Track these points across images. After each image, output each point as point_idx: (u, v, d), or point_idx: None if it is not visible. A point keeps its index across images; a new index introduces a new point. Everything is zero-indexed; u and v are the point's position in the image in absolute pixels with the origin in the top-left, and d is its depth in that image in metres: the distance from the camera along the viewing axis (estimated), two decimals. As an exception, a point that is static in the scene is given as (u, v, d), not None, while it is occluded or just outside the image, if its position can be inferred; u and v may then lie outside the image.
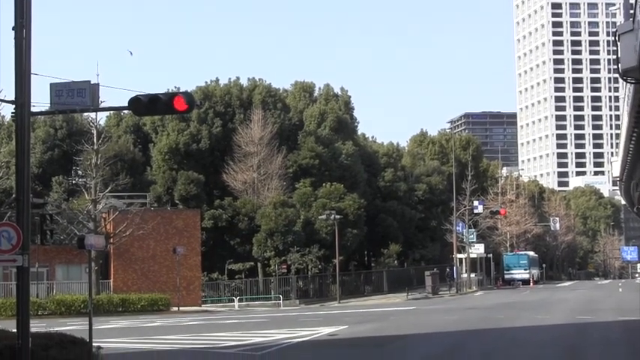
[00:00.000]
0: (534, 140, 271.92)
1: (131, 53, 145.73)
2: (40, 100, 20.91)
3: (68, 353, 18.27)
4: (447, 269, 78.44)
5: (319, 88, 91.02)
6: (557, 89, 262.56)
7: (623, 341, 27.23)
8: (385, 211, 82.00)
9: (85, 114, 58.01)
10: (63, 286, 54.03)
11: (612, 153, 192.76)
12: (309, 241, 68.43)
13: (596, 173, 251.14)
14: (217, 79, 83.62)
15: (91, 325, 21.84)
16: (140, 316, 47.75)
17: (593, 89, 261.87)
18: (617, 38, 24.37)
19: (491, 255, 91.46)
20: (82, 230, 50.73)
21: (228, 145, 75.87)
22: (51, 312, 47.85)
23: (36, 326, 22.74)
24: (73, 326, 31.82)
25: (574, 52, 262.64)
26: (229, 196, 72.71)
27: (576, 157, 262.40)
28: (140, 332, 34.35)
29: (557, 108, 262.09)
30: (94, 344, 20.57)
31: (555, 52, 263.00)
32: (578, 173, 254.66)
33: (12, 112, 17.64)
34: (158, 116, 73.67)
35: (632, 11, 23.17)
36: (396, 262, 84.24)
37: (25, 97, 17.28)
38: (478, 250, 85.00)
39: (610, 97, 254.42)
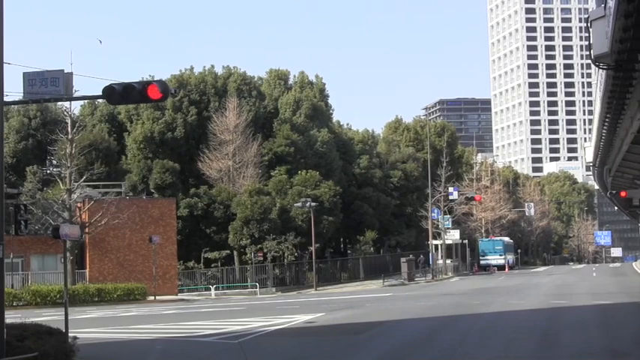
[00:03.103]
0: (508, 126, 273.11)
1: (100, 42, 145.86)
2: (13, 89, 20.84)
3: (44, 344, 18.25)
4: (420, 256, 78.66)
5: (294, 76, 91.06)
6: (530, 75, 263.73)
7: (596, 324, 27.48)
8: (361, 198, 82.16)
9: (59, 103, 57.71)
10: (38, 277, 53.79)
11: (585, 138, 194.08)
12: (285, 229, 68.48)
13: (569, 159, 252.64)
14: (192, 68, 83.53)
15: (66, 315, 21.81)
16: (117, 306, 47.67)
17: (567, 75, 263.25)
18: (589, 24, 24.51)
19: (466, 241, 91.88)
20: (57, 220, 50.55)
21: (203, 133, 75.76)
22: (26, 303, 47.62)
23: (11, 317, 22.67)
24: (49, 317, 31.71)
25: (547, 39, 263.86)
26: (205, 185, 72.63)
27: (550, 143, 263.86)
28: (117, 322, 34.31)
29: (531, 94, 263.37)
30: (70, 334, 20.54)
31: (529, 39, 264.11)
32: (552, 159, 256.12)
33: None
34: (133, 105, 73.48)
35: (603, -3, 23.30)
36: (372, 248, 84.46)
37: (-3, 86, 17.19)
38: (453, 236, 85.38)
39: (583, 82, 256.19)
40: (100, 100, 65.02)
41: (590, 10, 30.87)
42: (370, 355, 21.44)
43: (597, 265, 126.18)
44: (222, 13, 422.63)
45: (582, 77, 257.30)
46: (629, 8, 18.77)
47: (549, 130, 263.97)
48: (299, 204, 66.35)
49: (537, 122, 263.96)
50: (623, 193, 63.64)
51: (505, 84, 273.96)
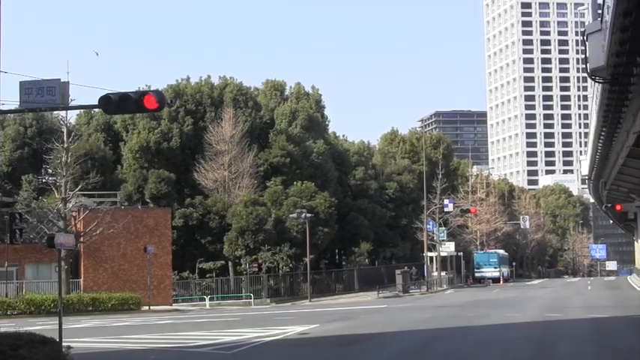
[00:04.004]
0: (504, 139, 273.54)
1: (97, 54, 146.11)
2: (9, 98, 20.91)
3: (38, 353, 18.18)
4: (413, 268, 78.63)
5: (290, 87, 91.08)
6: (526, 88, 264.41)
7: (590, 338, 27.48)
8: (356, 210, 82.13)
9: (55, 112, 57.71)
10: (32, 286, 53.63)
11: (581, 152, 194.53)
12: (280, 240, 68.42)
13: (565, 172, 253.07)
14: (188, 78, 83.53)
15: (60, 324, 21.76)
16: (111, 316, 47.56)
17: (563, 88, 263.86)
18: (585, 38, 24.62)
19: (461, 253, 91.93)
20: (52, 229, 50.46)
21: (199, 143, 75.74)
22: (20, 311, 47.49)
23: (5, 326, 22.63)
24: (43, 326, 31.64)
25: (543, 52, 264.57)
26: (200, 195, 72.55)
27: (546, 156, 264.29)
28: (111, 331, 34.23)
29: (527, 107, 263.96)
30: (64, 344, 20.48)
31: (525, 52, 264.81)
32: (548, 172, 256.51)
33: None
34: (129, 115, 73.45)
35: (599, 11, 23.39)
36: (366, 260, 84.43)
37: (-6, 95, 17.18)
38: (448, 248, 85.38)
39: (579, 96, 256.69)
40: (96, 110, 64.91)
41: (586, 23, 30.97)
42: (365, 367, 21.42)
43: (592, 278, 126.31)
44: (219, 23, 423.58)
45: (578, 90, 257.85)
46: (625, 22, 18.85)
47: (545, 142, 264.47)
48: (294, 215, 66.32)
49: (533, 135, 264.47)
50: (618, 207, 63.88)
51: (501, 96, 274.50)
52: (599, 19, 23.36)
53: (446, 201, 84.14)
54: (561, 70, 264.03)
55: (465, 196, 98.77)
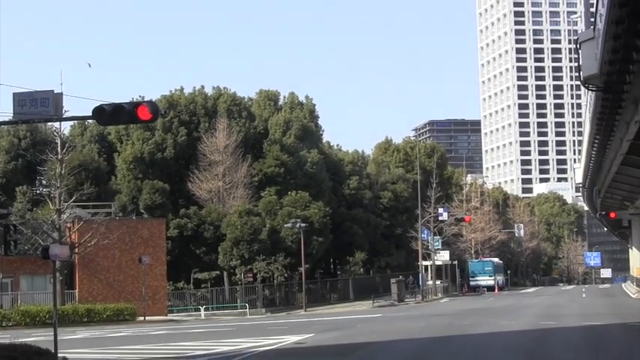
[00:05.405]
0: (498, 147, 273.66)
1: (90, 65, 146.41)
2: (2, 109, 21.00)
3: (33, 364, 18.18)
4: (409, 277, 78.59)
5: (284, 97, 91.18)
6: (520, 96, 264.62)
7: (585, 345, 27.46)
8: (350, 219, 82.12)
9: (49, 123, 57.69)
10: (27, 297, 53.58)
11: (575, 160, 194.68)
12: (275, 250, 68.42)
13: (559, 180, 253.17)
14: (182, 88, 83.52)
15: (56, 335, 21.72)
16: (106, 327, 47.47)
17: (556, 96, 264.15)
18: (578, 46, 24.69)
19: (456, 262, 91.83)
20: (47, 240, 50.38)
21: (193, 153, 75.74)
22: (15, 323, 47.38)
23: (0, 337, 22.55)
24: (38, 337, 31.56)
25: (537, 60, 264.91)
26: (195, 205, 72.53)
27: (540, 164, 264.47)
28: (106, 342, 34.16)
29: (521, 115, 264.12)
30: (59, 355, 20.47)
31: (518, 60, 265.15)
32: (542, 180, 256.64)
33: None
34: (123, 125, 73.37)
35: (592, 19, 23.47)
36: (361, 269, 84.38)
37: (-12, 107, 17.19)
38: (443, 257, 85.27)
39: (572, 104, 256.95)
40: (90, 121, 64.95)
41: (579, 31, 31.09)
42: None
43: (587, 286, 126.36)
44: (213, 33, 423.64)
45: (572, 98, 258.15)
46: (617, 30, 18.91)
47: (539, 151, 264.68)
48: (289, 225, 66.30)
49: (527, 143, 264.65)
50: (612, 214, 64.10)
51: (495, 105, 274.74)
52: (592, 27, 23.43)
53: (440, 210, 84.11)
54: (555, 78, 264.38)
55: (460, 205, 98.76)
